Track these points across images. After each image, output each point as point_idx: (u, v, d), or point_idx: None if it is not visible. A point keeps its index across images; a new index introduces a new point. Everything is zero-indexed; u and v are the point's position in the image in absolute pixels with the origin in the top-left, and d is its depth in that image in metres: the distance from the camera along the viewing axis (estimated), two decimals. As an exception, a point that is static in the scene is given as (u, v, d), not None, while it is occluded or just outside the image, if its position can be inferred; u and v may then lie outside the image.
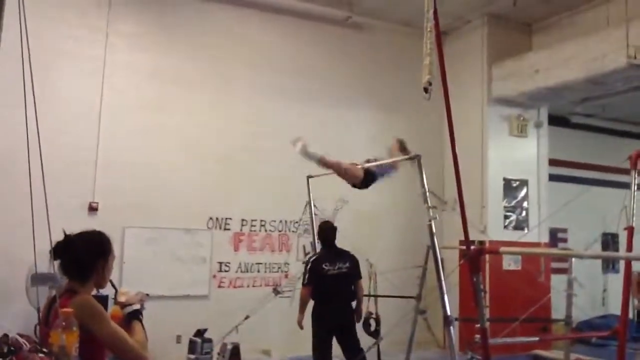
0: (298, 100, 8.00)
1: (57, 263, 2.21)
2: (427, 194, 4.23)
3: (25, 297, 5.58)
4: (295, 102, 7.98)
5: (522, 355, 7.32)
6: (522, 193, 8.64)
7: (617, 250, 9.41)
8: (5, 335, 5.52)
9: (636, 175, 4.36)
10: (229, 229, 7.52)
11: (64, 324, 1.80)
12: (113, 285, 2.44)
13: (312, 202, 6.18)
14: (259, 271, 7.63)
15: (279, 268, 7.70)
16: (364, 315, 5.77)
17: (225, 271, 7.43)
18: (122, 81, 7.01)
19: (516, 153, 8.64)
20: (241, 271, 7.53)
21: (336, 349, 5.35)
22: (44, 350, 1.85)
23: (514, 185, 8.59)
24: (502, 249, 3.79)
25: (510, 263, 8.14)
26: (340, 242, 5.76)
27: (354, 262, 5.44)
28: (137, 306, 2.32)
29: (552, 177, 9.10)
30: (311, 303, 5.37)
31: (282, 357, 7.24)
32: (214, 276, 7.36)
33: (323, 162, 5.07)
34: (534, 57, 7.92)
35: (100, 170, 6.76)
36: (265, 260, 7.71)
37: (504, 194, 8.49)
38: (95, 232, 2.32)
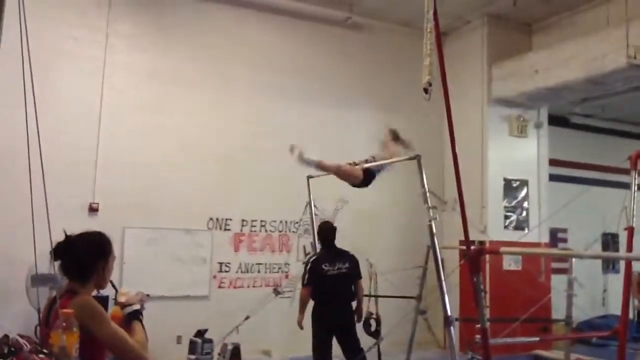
0: (298, 101, 8.00)
1: (57, 264, 2.21)
2: (428, 194, 4.23)
3: (26, 297, 5.59)
4: (295, 102, 7.98)
5: (523, 356, 7.32)
6: (523, 193, 8.64)
7: (617, 250, 9.40)
8: (6, 336, 5.51)
9: (636, 176, 4.36)
10: (229, 230, 7.52)
11: (64, 324, 1.80)
12: (113, 286, 2.44)
13: (312, 202, 6.19)
14: (259, 271, 7.64)
15: (279, 268, 7.70)
16: (364, 315, 5.77)
17: (226, 271, 7.43)
18: (122, 81, 7.02)
19: (516, 153, 8.65)
20: (241, 271, 7.53)
21: (336, 349, 5.35)
22: (45, 351, 1.85)
23: (514, 185, 8.59)
24: (502, 249, 3.79)
25: (510, 263, 8.14)
26: (341, 242, 5.76)
27: (353, 262, 5.44)
28: (137, 306, 2.32)
29: (552, 177, 9.11)
30: (311, 303, 5.37)
31: (283, 358, 7.24)
32: (214, 276, 7.36)
33: (321, 167, 5.08)
34: (533, 57, 7.92)
35: (101, 171, 6.76)
36: (266, 260, 7.71)
37: (504, 194, 8.49)
38: (96, 232, 2.32)
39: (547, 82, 7.60)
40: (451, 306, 3.97)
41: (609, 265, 10.50)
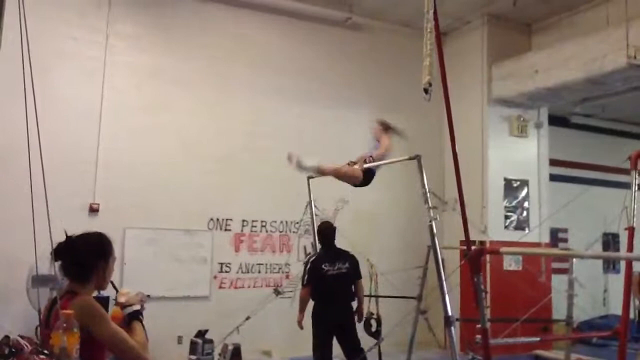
0: (298, 101, 8.00)
1: (58, 264, 2.21)
2: (428, 194, 4.23)
3: (26, 298, 5.59)
4: (295, 102, 7.98)
5: (523, 356, 7.32)
6: (523, 193, 8.64)
7: (617, 250, 9.40)
8: (7, 337, 5.52)
9: (636, 176, 4.36)
10: (229, 230, 7.52)
11: (64, 325, 1.80)
12: (114, 287, 2.44)
13: (312, 202, 6.19)
14: (259, 272, 7.64)
15: (279, 269, 7.70)
16: (365, 315, 5.77)
17: (226, 272, 7.44)
18: (122, 82, 7.02)
19: (516, 153, 8.65)
20: (242, 272, 7.54)
21: (336, 349, 5.35)
22: (45, 351, 1.85)
23: (515, 185, 8.59)
24: (503, 249, 3.79)
25: (511, 263, 8.14)
26: (341, 242, 5.76)
27: (353, 262, 5.44)
28: (137, 307, 2.32)
29: (553, 177, 9.11)
30: (311, 303, 5.37)
31: (283, 358, 7.23)
32: (215, 277, 7.36)
33: (321, 171, 5.10)
34: (533, 58, 7.92)
35: (101, 171, 6.77)
36: (266, 261, 7.71)
37: (505, 194, 8.49)
38: (96, 233, 2.32)
39: (547, 82, 7.60)
40: (452, 306, 3.97)
41: (610, 265, 10.50)
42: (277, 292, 6.57)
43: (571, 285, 5.23)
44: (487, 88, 8.37)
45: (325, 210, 6.42)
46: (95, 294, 2.27)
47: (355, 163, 5.42)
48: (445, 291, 3.95)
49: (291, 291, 6.70)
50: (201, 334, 6.52)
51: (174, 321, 6.78)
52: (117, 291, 2.40)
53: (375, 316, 6.09)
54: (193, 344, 6.48)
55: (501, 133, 8.53)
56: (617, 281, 8.94)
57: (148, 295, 2.44)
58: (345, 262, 5.37)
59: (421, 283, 5.84)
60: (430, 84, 2.60)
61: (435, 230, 4.20)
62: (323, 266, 5.30)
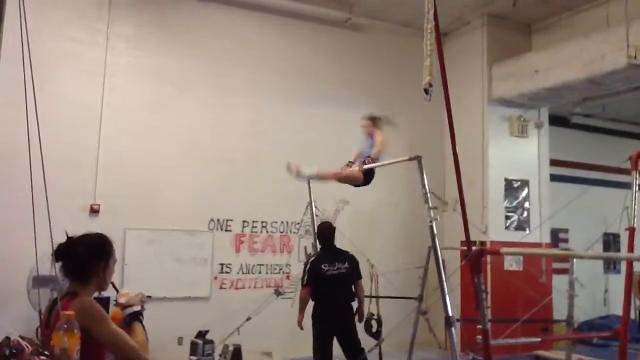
0: (298, 101, 8.00)
1: (58, 265, 2.21)
2: (428, 194, 4.24)
3: (27, 299, 5.58)
4: (295, 103, 7.99)
5: (524, 356, 7.31)
6: (523, 193, 8.64)
7: (618, 250, 9.40)
8: (7, 338, 5.54)
9: (637, 176, 4.36)
10: (230, 231, 7.52)
11: (65, 326, 1.80)
12: (115, 287, 2.44)
13: (313, 203, 6.19)
14: (260, 272, 7.64)
15: (280, 269, 7.70)
16: (365, 316, 5.77)
17: (227, 272, 7.44)
18: (123, 82, 7.03)
19: (517, 153, 8.64)
20: (242, 272, 7.53)
21: (337, 349, 5.35)
22: (46, 352, 1.85)
23: (515, 185, 8.59)
24: (504, 249, 3.79)
25: (511, 264, 8.13)
26: (342, 242, 5.76)
27: (353, 262, 5.44)
28: (137, 307, 2.32)
29: (553, 178, 9.10)
30: (311, 304, 5.37)
31: (284, 359, 7.23)
32: (215, 277, 7.36)
33: (321, 177, 5.13)
34: (533, 58, 7.93)
35: (101, 172, 6.77)
36: (267, 261, 7.71)
37: (505, 194, 8.49)
38: (97, 234, 2.32)
39: (547, 82, 7.60)
40: (452, 307, 3.97)
41: (610, 266, 10.49)
42: (277, 293, 6.57)
43: (572, 286, 5.23)
44: (487, 88, 8.37)
45: (326, 210, 6.43)
46: (95, 294, 2.27)
47: (352, 163, 5.45)
48: (446, 292, 3.95)
49: (292, 292, 6.70)
50: (202, 334, 6.53)
51: (175, 322, 6.77)
52: (117, 292, 2.40)
53: (375, 317, 6.09)
54: (193, 345, 6.49)
55: (501, 133, 8.53)
56: (617, 281, 8.94)
57: (148, 296, 2.44)
58: (344, 262, 5.37)
59: (422, 283, 5.84)
60: (430, 85, 2.60)
61: (435, 231, 4.20)
62: (322, 266, 5.30)
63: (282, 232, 7.84)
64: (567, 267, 5.60)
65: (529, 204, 8.64)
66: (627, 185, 4.48)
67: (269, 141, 7.74)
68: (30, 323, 5.44)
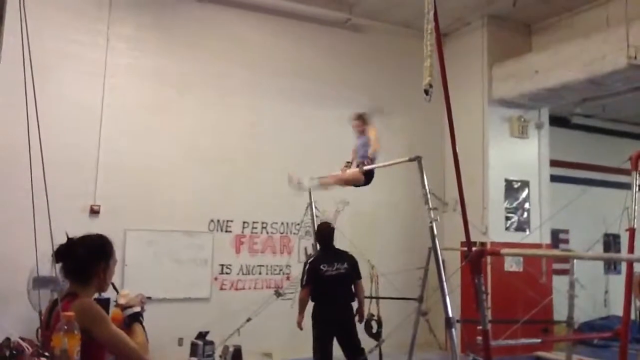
0: (298, 102, 8.01)
1: (58, 266, 2.21)
2: (429, 195, 4.24)
3: (27, 300, 5.58)
4: (295, 103, 7.99)
5: (524, 357, 7.31)
6: (524, 194, 8.64)
7: (618, 251, 9.39)
8: (7, 339, 5.54)
9: (637, 177, 4.36)
10: (230, 231, 7.52)
11: (65, 327, 1.80)
12: (115, 288, 2.44)
13: (313, 203, 6.19)
14: (260, 273, 7.64)
15: (280, 270, 7.69)
16: (365, 316, 5.77)
17: (227, 273, 7.43)
18: (123, 83, 7.03)
19: (517, 154, 8.64)
20: (243, 273, 7.53)
21: (337, 350, 5.35)
22: (46, 353, 1.85)
23: (515, 186, 8.59)
24: (504, 250, 3.79)
25: (511, 264, 8.13)
26: (342, 243, 5.76)
27: (352, 262, 5.44)
28: (137, 308, 2.32)
29: (553, 178, 9.10)
30: (311, 304, 5.37)
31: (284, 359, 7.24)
32: (216, 278, 7.36)
33: (324, 185, 5.19)
34: (534, 58, 7.93)
35: (102, 173, 6.77)
36: (267, 262, 7.71)
37: (505, 195, 8.48)
38: (97, 235, 2.32)
39: (547, 83, 7.60)
40: (452, 307, 3.97)
41: (611, 266, 10.48)
42: (277, 294, 6.57)
43: (572, 286, 5.23)
44: (487, 89, 8.37)
45: (326, 211, 6.42)
46: (96, 295, 2.27)
47: (351, 163, 5.48)
48: (446, 292, 3.95)
49: (292, 293, 6.69)
50: (202, 335, 6.52)
51: (175, 323, 6.77)
52: (117, 293, 2.40)
53: (376, 317, 6.09)
54: (194, 346, 6.48)
55: (502, 134, 8.53)
56: (618, 282, 8.93)
57: (148, 297, 2.45)
58: (344, 262, 5.36)
59: (422, 284, 5.84)
60: (430, 85, 2.60)
61: (435, 232, 4.20)
62: (321, 267, 5.30)
63: (282, 233, 7.84)
64: (567, 268, 5.59)
65: (529, 205, 8.64)
66: (627, 186, 4.48)
67: (269, 142, 7.74)
68: (31, 324, 5.43)
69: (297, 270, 7.37)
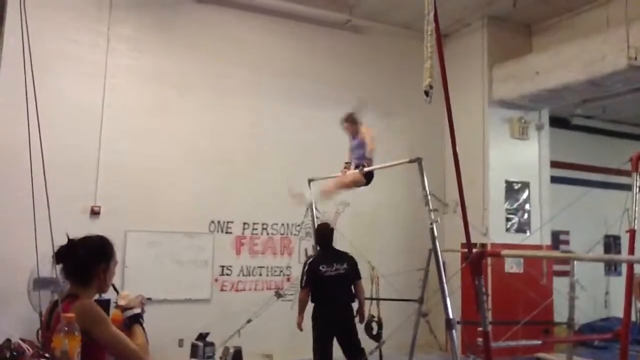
0: (299, 103, 8.01)
1: (59, 267, 2.21)
2: (429, 196, 4.24)
3: (27, 301, 5.58)
4: (296, 105, 7.99)
5: (525, 358, 7.30)
6: (524, 195, 8.63)
7: (619, 252, 9.38)
8: (8, 340, 5.54)
9: (637, 178, 4.35)
10: (230, 233, 7.52)
11: (66, 328, 1.80)
12: (115, 290, 2.44)
13: (313, 205, 6.19)
14: (261, 274, 7.63)
15: (281, 271, 7.69)
16: (366, 318, 5.76)
17: (227, 275, 7.43)
18: (124, 84, 7.03)
19: (518, 155, 8.64)
20: (243, 275, 7.53)
21: (337, 350, 5.34)
22: (47, 355, 1.85)
23: (516, 187, 8.58)
24: (504, 252, 3.78)
25: (512, 266, 8.12)
26: (342, 244, 5.76)
27: (351, 263, 5.44)
28: (137, 310, 2.32)
29: (554, 180, 9.09)
30: (311, 305, 5.37)
31: (284, 361, 7.23)
32: (216, 280, 7.36)
33: (327, 194, 5.23)
34: (534, 59, 7.93)
35: (102, 174, 6.77)
36: (267, 263, 7.71)
37: (506, 196, 8.48)
38: (98, 236, 2.32)
39: (547, 84, 7.60)
40: (453, 309, 3.97)
41: (611, 268, 10.47)
42: (278, 295, 6.57)
43: (572, 288, 5.22)
44: (487, 90, 8.37)
45: (326, 212, 6.42)
46: (96, 297, 2.27)
47: (349, 163, 5.50)
48: (447, 294, 3.95)
49: (292, 294, 6.70)
50: (202, 337, 6.52)
51: (175, 324, 6.77)
52: (117, 294, 2.40)
53: (376, 319, 6.08)
54: (194, 347, 6.48)
55: (502, 135, 8.53)
56: (618, 283, 8.92)
57: (149, 298, 2.44)
58: (343, 263, 5.36)
59: (422, 286, 5.84)
60: (431, 87, 2.60)
61: (436, 233, 4.20)
62: (320, 267, 5.30)
63: (282, 234, 7.84)
64: (567, 269, 5.59)
65: (530, 206, 8.63)
66: (627, 187, 4.48)
67: (269, 142, 7.74)
68: (31, 325, 5.44)
69: (297, 272, 7.35)
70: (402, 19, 8.27)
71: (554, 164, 9.17)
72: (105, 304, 2.67)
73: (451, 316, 3.89)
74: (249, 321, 6.34)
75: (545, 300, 6.21)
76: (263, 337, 6.96)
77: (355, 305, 5.46)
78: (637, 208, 4.33)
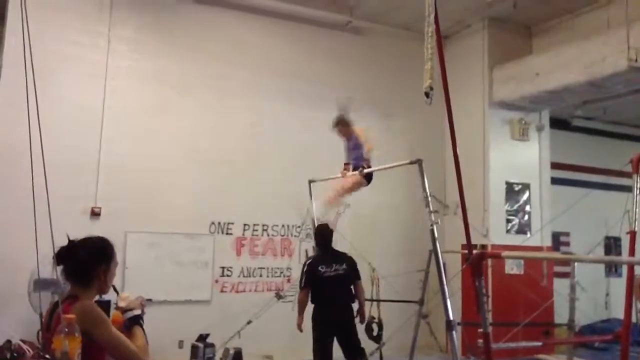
0: (299, 105, 8.01)
1: (59, 268, 2.21)
2: (429, 198, 4.24)
3: (28, 302, 5.58)
4: (296, 106, 7.99)
5: (525, 360, 7.30)
6: (524, 197, 8.63)
7: (619, 254, 9.38)
8: (8, 341, 5.54)
9: (638, 179, 4.35)
10: (230, 234, 7.52)
11: (66, 329, 1.79)
12: (116, 291, 2.44)
13: (314, 205, 6.19)
14: (261, 276, 7.63)
15: (281, 272, 7.69)
16: (366, 319, 5.76)
17: (228, 276, 7.43)
18: (124, 85, 7.04)
19: (518, 156, 8.64)
20: (243, 276, 7.53)
21: (337, 351, 5.34)
22: (47, 356, 1.85)
23: (516, 189, 8.58)
24: (505, 253, 3.78)
25: (512, 267, 8.12)
26: (343, 246, 5.76)
27: (350, 263, 5.44)
28: (137, 311, 2.32)
29: (554, 181, 9.09)
30: (311, 306, 5.37)
31: (284, 362, 7.22)
32: (216, 281, 7.35)
33: (332, 202, 5.27)
34: (534, 60, 7.93)
35: (103, 175, 6.77)
36: (268, 264, 7.70)
37: (506, 197, 8.48)
38: (98, 238, 2.32)
39: (548, 85, 7.60)
40: (453, 310, 3.97)
41: (612, 269, 10.47)
42: (278, 296, 6.57)
43: (573, 289, 5.22)
44: (488, 91, 8.37)
45: (327, 213, 6.41)
46: (96, 298, 2.27)
47: (349, 164, 5.51)
48: (447, 295, 3.95)
49: (292, 295, 6.69)
50: (202, 338, 6.51)
51: (175, 325, 6.77)
52: (118, 295, 2.40)
53: (376, 320, 6.08)
54: (194, 348, 6.47)
55: (502, 136, 8.53)
56: (618, 285, 8.91)
57: (149, 300, 2.44)
58: (342, 263, 5.36)
59: (422, 287, 5.84)
60: (431, 88, 2.60)
61: (436, 234, 4.20)
62: (320, 268, 5.30)
63: (283, 236, 7.84)
64: (568, 271, 5.59)
65: (530, 207, 8.63)
66: (628, 189, 4.48)
67: (269, 143, 7.75)
68: (31, 326, 5.43)
69: (297, 273, 7.34)
70: (403, 21, 8.27)
71: (555, 166, 9.17)
72: (105, 305, 2.67)
73: (451, 317, 3.89)
74: (249, 322, 6.33)
75: (545, 302, 6.21)
76: (263, 339, 6.96)
77: (355, 306, 5.46)
78: (637, 209, 4.33)
